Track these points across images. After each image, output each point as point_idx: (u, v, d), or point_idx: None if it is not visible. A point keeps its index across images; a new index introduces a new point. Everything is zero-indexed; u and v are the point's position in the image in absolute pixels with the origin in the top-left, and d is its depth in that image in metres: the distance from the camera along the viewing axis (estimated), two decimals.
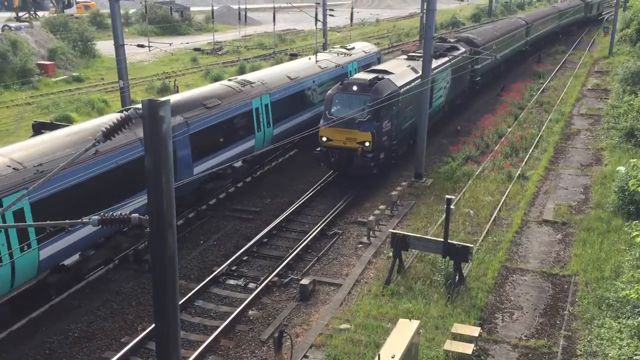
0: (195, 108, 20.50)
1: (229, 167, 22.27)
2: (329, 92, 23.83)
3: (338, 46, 35.05)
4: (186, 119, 19.76)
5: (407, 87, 24.87)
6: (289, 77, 26.57)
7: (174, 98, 20.87)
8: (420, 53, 29.36)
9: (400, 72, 25.90)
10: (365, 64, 33.61)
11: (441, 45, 33.22)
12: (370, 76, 23.99)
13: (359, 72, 30.82)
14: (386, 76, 24.33)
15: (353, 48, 34.34)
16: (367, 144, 22.08)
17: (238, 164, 23.00)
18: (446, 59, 31.04)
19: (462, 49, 34.23)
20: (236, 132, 22.39)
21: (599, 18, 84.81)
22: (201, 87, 24.98)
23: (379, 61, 35.68)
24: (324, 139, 22.73)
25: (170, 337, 7.68)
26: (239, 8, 67.21)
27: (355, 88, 22.99)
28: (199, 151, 20.29)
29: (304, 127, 25.19)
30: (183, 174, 18.87)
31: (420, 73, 24.98)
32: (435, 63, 27.53)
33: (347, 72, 31.76)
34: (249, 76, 25.82)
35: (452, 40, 35.73)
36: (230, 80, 24.64)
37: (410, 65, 27.42)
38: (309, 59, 30.70)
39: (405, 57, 30.62)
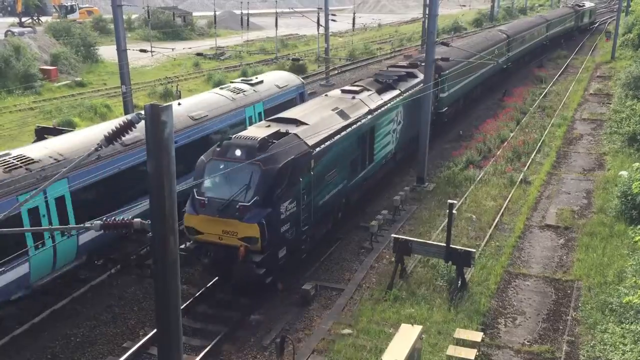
0: None
1: None
2: (200, 159, 16.20)
3: (239, 79, 25.84)
4: None
5: (328, 142, 17.80)
6: (121, 142, 16.10)
7: None
8: (358, 87, 23.08)
9: (319, 120, 18.41)
10: (277, 104, 24.28)
11: (392, 72, 26.24)
12: (266, 132, 16.71)
13: (266, 118, 21.32)
14: (293, 130, 17.19)
15: (261, 82, 24.78)
16: (253, 240, 14.85)
17: None
18: (395, 92, 24.05)
19: (422, 76, 26.32)
20: None
21: (591, 27, 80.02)
22: None
23: (303, 98, 26.67)
24: (192, 230, 15.56)
25: (172, 342, 7.67)
26: (241, 13, 67.42)
27: (238, 153, 15.52)
28: None
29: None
30: None
31: (352, 118, 19.90)
32: (377, 100, 22.41)
33: (245, 119, 22.45)
34: (29, 150, 15.54)
35: (407, 64, 28.97)
36: None
37: (338, 108, 19.93)
38: (179, 104, 20.65)
39: (340, 92, 22.65)
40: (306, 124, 17.89)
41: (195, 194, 15.47)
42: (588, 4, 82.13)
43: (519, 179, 24.62)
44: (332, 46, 53.68)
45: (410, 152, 26.27)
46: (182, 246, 15.05)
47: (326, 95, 22.46)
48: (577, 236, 20.10)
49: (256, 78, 25.59)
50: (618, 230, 19.72)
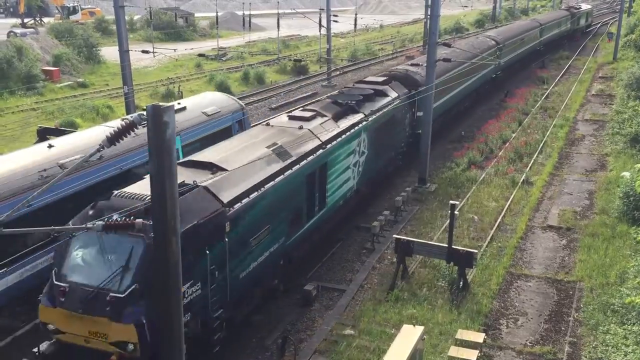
0: None
1: None
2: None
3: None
4: None
5: (255, 194, 13.58)
6: None
7: None
8: (309, 112, 18.73)
9: (246, 163, 13.88)
10: (202, 137, 19.48)
11: (356, 91, 21.99)
12: None
13: (185, 157, 16.30)
14: (204, 180, 12.74)
15: (182, 109, 19.53)
16: (130, 346, 10.43)
17: None
18: (358, 116, 19.81)
19: (394, 94, 23.18)
20: None
21: (588, 30, 77.19)
22: None
23: (242, 126, 21.66)
24: (51, 327, 11.02)
25: (174, 343, 7.68)
26: (243, 14, 67.49)
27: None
28: None
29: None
30: None
31: (294, 157, 15.63)
32: (333, 129, 18.08)
33: None
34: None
35: (379, 80, 24.18)
36: None
37: (276, 144, 15.60)
38: (49, 146, 15.39)
39: (286, 118, 18.27)
40: (225, 169, 13.40)
41: (54, 277, 11.00)
42: (585, 6, 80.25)
43: (521, 180, 24.60)
44: (334, 47, 53.73)
45: (376, 183, 22.68)
46: (35, 350, 11.18)
47: (267, 124, 17.77)
48: (579, 237, 20.07)
49: (178, 103, 20.13)
50: (620, 231, 19.71)
